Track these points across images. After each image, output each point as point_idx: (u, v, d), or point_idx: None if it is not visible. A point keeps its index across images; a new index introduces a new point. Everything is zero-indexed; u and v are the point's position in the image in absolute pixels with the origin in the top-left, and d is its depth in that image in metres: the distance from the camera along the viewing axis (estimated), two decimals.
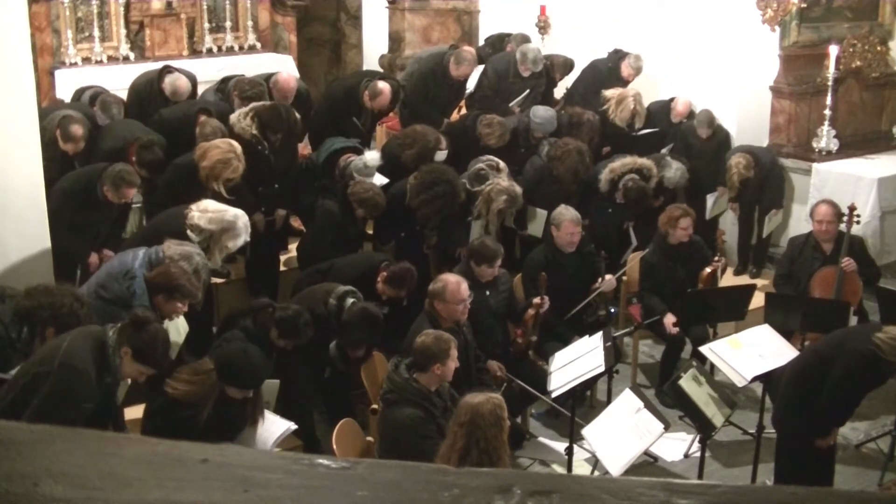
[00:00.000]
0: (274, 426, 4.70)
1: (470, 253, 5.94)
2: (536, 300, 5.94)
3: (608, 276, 6.39)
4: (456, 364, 4.63)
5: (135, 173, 5.85)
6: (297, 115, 6.90)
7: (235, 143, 6.16)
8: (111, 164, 5.86)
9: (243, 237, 5.55)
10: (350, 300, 5.48)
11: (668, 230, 6.55)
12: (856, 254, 6.38)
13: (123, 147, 6.36)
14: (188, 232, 5.36)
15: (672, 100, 8.29)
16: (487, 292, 5.85)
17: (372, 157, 6.77)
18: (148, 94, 7.38)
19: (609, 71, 8.58)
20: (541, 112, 7.60)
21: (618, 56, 8.60)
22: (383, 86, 7.58)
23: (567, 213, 6.35)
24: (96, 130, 6.62)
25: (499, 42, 9.04)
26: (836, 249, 6.43)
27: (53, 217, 5.54)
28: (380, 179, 6.72)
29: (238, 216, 5.51)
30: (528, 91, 8.22)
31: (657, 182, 7.43)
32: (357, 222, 6.61)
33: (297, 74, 8.27)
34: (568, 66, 8.66)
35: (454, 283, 5.30)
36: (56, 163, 6.11)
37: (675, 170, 7.61)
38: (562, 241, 6.29)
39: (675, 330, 6.35)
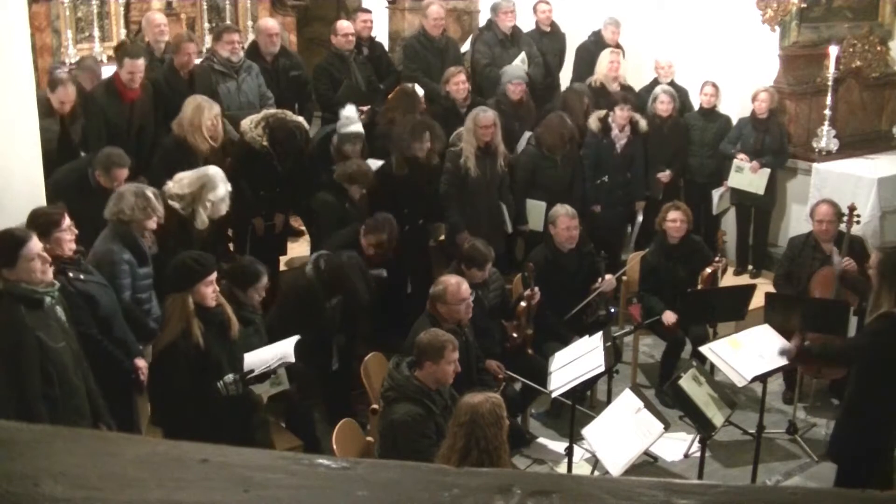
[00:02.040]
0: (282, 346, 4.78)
1: (461, 257, 5.93)
2: (527, 292, 5.95)
3: (608, 276, 6.39)
4: (456, 368, 4.60)
5: (124, 154, 5.85)
6: (307, 127, 6.89)
7: (199, 96, 6.38)
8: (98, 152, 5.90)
9: (223, 187, 5.64)
10: (322, 260, 5.53)
11: (664, 227, 6.58)
12: (856, 253, 6.37)
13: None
14: (171, 203, 5.49)
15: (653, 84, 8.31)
16: (479, 292, 5.84)
17: (348, 109, 6.91)
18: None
19: (595, 45, 8.71)
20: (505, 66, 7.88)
21: (597, 31, 8.78)
22: None
23: (561, 209, 6.36)
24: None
25: None
26: (836, 248, 6.43)
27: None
28: (374, 163, 6.80)
29: (214, 171, 5.67)
30: (522, 53, 8.29)
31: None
32: (356, 204, 6.51)
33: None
34: None
35: (454, 283, 5.31)
36: (53, 135, 6.15)
37: (663, 92, 7.83)
38: (560, 238, 6.28)
39: (674, 321, 6.35)
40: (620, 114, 7.51)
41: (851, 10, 8.66)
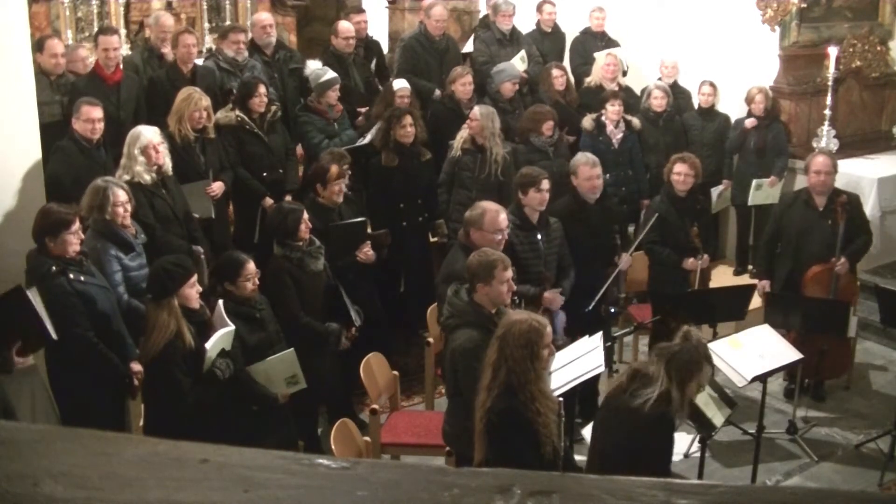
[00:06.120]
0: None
1: (515, 186, 5.87)
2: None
3: (624, 255, 6.24)
4: (510, 286, 4.49)
5: (95, 100, 5.94)
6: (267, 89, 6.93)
7: (193, 87, 6.50)
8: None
9: (146, 131, 5.73)
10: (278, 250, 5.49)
11: (671, 179, 6.50)
12: (850, 211, 6.28)
13: None
14: (126, 181, 5.52)
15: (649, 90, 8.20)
16: (539, 235, 5.76)
17: (312, 63, 7.29)
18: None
19: (585, 36, 8.96)
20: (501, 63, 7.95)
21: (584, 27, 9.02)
22: None
23: (581, 158, 6.22)
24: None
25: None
26: (829, 206, 6.33)
27: (54, 179, 5.71)
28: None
29: (137, 128, 5.83)
30: (522, 52, 8.33)
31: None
32: (350, 203, 6.39)
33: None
34: None
35: (494, 210, 5.21)
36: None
37: (656, 87, 7.88)
38: (583, 189, 6.11)
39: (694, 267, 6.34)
40: (612, 109, 7.54)
41: (851, 10, 8.66)
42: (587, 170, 6.10)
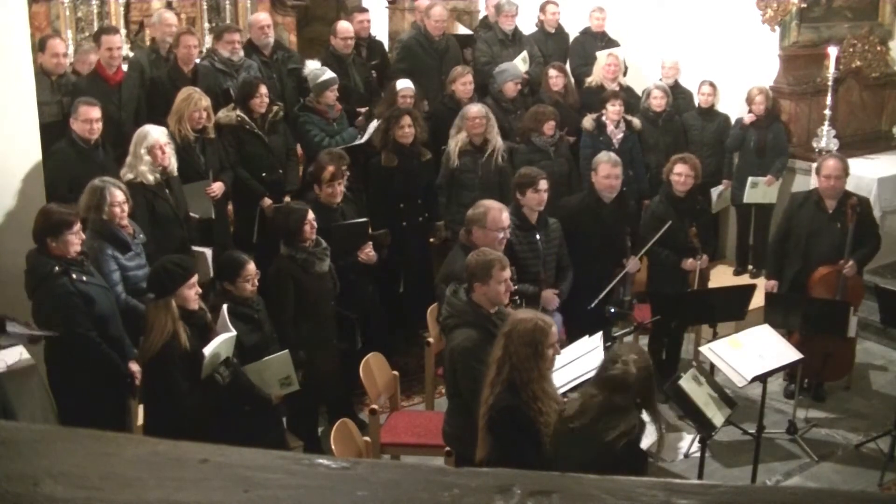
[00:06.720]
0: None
1: (513, 187, 5.88)
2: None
3: (632, 258, 6.26)
4: (508, 286, 4.49)
5: (93, 99, 5.92)
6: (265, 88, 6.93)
7: (193, 87, 6.49)
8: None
9: (153, 131, 5.73)
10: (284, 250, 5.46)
11: (670, 179, 6.52)
12: (860, 214, 6.28)
13: None
14: (128, 180, 5.53)
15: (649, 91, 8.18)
16: (538, 235, 5.75)
17: (311, 63, 7.29)
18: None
19: (585, 36, 8.94)
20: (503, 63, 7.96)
21: (584, 28, 9.00)
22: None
23: (604, 156, 6.24)
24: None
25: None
26: (839, 208, 6.33)
27: (51, 182, 5.69)
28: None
29: (144, 127, 5.84)
30: (524, 52, 8.33)
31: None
32: (352, 202, 6.38)
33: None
34: None
35: (496, 209, 5.22)
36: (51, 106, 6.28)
37: (656, 87, 7.88)
38: (601, 186, 6.12)
39: (693, 267, 6.32)
40: (612, 109, 7.55)
41: (851, 10, 8.66)
42: (607, 168, 6.13)
